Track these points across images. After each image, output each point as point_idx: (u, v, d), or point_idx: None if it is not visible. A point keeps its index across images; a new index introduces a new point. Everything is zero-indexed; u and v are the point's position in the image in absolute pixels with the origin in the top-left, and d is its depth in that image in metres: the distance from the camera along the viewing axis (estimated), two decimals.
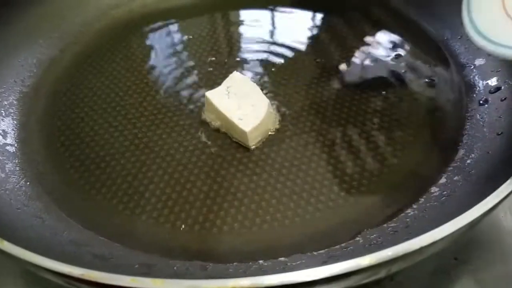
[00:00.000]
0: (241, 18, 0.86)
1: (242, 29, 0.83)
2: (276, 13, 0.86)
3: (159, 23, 0.85)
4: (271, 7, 0.87)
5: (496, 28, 0.51)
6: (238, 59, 0.77)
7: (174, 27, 0.84)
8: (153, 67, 0.77)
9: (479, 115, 0.64)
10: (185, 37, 0.82)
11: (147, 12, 0.86)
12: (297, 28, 0.82)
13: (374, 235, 0.53)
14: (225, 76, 0.68)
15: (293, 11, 0.85)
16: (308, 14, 0.85)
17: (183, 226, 0.56)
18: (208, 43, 0.81)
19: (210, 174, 0.61)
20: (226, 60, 0.77)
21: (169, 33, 0.83)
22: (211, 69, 0.75)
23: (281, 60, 0.76)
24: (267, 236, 0.55)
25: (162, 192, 0.59)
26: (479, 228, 0.57)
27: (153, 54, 0.79)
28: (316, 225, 0.55)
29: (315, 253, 0.52)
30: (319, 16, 0.85)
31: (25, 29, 0.78)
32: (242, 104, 0.64)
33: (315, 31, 0.82)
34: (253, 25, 0.83)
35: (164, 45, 0.81)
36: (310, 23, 0.83)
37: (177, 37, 0.82)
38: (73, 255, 0.52)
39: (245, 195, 0.58)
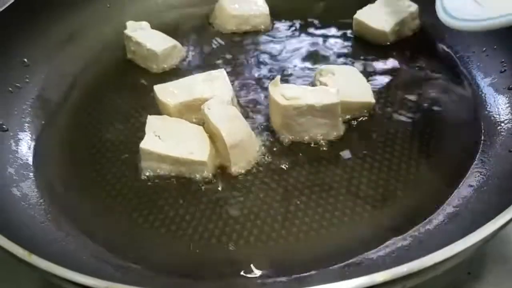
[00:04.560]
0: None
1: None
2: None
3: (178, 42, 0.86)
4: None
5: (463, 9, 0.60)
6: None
7: (192, 48, 0.86)
8: None
9: (492, 132, 0.65)
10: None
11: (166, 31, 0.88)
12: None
13: (389, 250, 0.54)
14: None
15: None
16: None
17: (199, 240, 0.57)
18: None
19: (227, 188, 0.62)
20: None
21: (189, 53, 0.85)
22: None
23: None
24: (283, 250, 0.56)
25: (180, 206, 0.61)
26: (492, 243, 0.58)
27: (173, 72, 0.81)
28: (331, 240, 0.56)
29: (330, 268, 0.53)
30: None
31: (48, 46, 0.81)
32: (181, 140, 0.64)
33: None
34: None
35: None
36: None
37: (196, 58, 0.84)
38: (95, 268, 0.54)
39: (261, 209, 0.60)
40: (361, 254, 0.53)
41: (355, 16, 0.83)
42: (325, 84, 0.69)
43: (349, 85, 0.68)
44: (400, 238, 0.55)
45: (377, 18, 0.81)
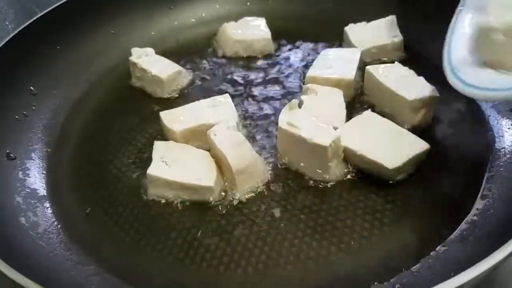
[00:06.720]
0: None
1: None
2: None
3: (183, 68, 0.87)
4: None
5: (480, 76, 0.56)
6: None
7: (197, 73, 0.87)
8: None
9: (496, 155, 0.65)
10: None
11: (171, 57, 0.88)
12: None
13: (398, 277, 0.53)
14: None
15: None
16: None
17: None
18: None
19: (234, 214, 0.62)
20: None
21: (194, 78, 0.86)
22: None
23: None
24: (291, 277, 0.55)
25: (187, 232, 0.61)
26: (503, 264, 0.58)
27: (178, 97, 0.82)
28: (339, 267, 0.56)
29: None
30: None
31: (54, 75, 0.82)
32: (188, 166, 0.64)
33: None
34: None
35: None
36: None
37: (200, 82, 0.85)
38: None
39: (268, 234, 0.60)
40: (370, 282, 0.53)
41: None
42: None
43: (324, 109, 0.69)
44: (409, 263, 0.54)
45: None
